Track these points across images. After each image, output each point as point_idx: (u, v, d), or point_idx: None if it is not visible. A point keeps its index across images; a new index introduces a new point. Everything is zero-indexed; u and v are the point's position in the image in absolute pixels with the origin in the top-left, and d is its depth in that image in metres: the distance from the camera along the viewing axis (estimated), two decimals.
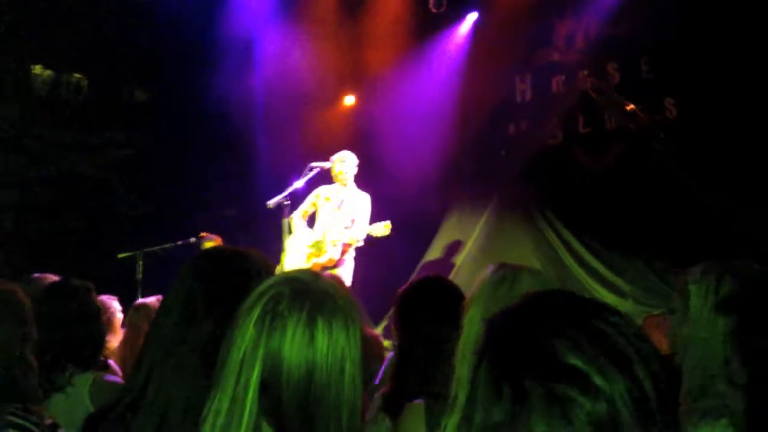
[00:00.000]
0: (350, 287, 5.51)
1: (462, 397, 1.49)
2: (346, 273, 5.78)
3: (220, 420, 1.08)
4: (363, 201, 5.97)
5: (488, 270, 1.61)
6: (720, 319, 1.60)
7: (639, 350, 0.73)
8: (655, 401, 0.71)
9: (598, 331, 0.74)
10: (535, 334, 0.75)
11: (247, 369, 1.09)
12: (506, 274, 1.58)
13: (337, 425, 1.10)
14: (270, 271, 1.52)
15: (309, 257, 5.87)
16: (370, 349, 3.20)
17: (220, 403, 1.09)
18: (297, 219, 6.04)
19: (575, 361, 0.71)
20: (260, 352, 1.09)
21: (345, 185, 5.96)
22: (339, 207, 5.93)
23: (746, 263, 1.68)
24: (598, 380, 0.70)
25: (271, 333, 1.09)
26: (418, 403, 1.73)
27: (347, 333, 1.13)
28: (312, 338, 1.09)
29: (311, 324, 1.10)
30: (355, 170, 5.99)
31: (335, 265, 5.73)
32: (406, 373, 2.02)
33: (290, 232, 5.96)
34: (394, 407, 1.99)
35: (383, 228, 5.67)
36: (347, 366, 1.12)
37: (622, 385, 0.70)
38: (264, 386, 1.09)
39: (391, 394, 2.05)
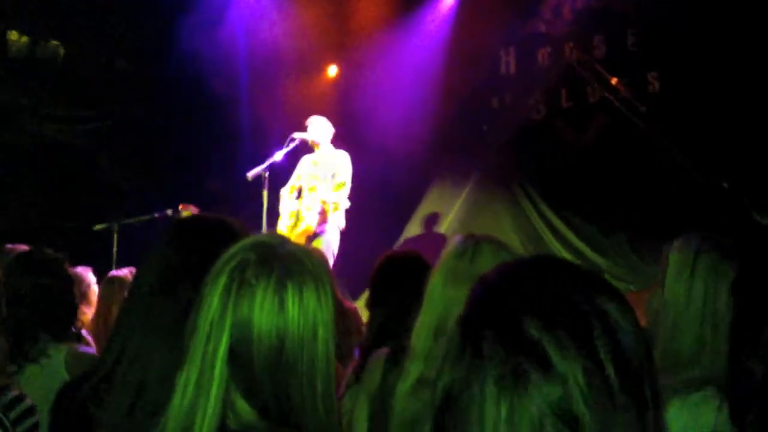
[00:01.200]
0: (333, 257, 5.54)
1: (413, 369, 1.52)
2: (327, 243, 5.71)
3: (190, 389, 1.05)
4: (340, 158, 5.88)
5: (454, 240, 1.62)
6: (696, 286, 1.59)
7: (608, 327, 0.70)
8: (617, 385, 0.68)
9: (572, 310, 0.71)
10: (504, 301, 0.73)
11: (215, 339, 1.06)
12: (467, 246, 1.58)
13: (311, 391, 1.08)
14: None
15: (289, 230, 5.84)
16: (349, 323, 3.20)
17: (189, 372, 1.06)
18: (284, 195, 6.00)
19: (540, 338, 0.68)
20: (228, 322, 1.06)
21: (319, 148, 5.91)
22: (311, 173, 5.88)
23: (725, 239, 1.68)
24: (555, 357, 0.67)
25: (239, 301, 1.06)
26: (382, 352, 1.77)
27: (318, 297, 1.10)
28: (282, 304, 1.06)
29: (280, 290, 1.07)
30: (327, 131, 5.92)
31: (316, 235, 5.69)
32: (377, 345, 2.04)
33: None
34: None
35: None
36: (320, 331, 1.09)
37: (580, 371, 0.67)
38: (234, 355, 1.06)
39: (360, 366, 2.08)
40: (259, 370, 1.06)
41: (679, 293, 1.61)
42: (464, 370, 0.71)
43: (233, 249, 1.12)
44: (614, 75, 6.87)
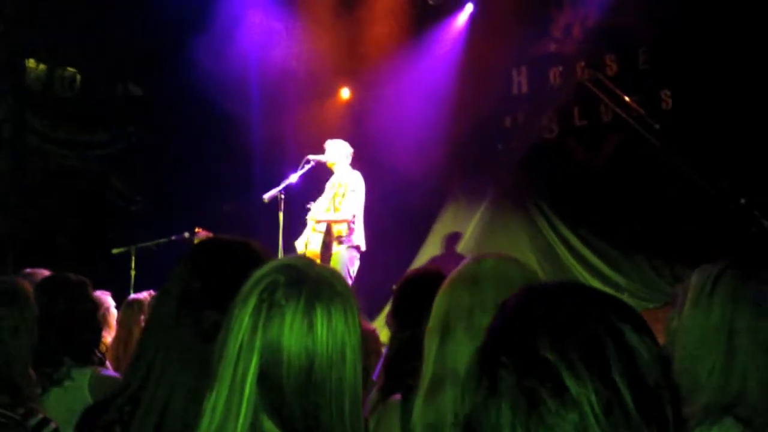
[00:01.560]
0: (351, 279, 5.52)
1: (427, 374, 1.51)
2: (344, 263, 5.70)
3: (218, 412, 1.06)
4: (350, 178, 5.88)
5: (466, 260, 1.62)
6: (714, 311, 1.55)
7: (623, 348, 0.69)
8: (633, 408, 0.67)
9: (589, 337, 0.70)
10: (520, 326, 0.73)
11: (245, 360, 1.06)
12: (471, 258, 1.58)
13: (339, 412, 1.09)
14: (269, 259, 1.49)
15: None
16: (367, 344, 3.19)
17: (218, 395, 1.07)
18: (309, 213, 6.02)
19: (547, 355, 0.68)
20: (257, 343, 1.06)
21: (335, 168, 5.94)
22: (330, 190, 5.90)
23: (753, 258, 1.65)
24: (568, 381, 0.67)
25: (269, 322, 1.07)
26: (395, 399, 1.73)
27: (346, 319, 1.10)
28: (311, 326, 1.07)
29: (310, 311, 1.08)
30: (342, 153, 5.93)
31: (324, 258, 5.67)
32: (400, 364, 2.03)
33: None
34: (394, 377, 2.02)
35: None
36: (348, 352, 1.10)
37: (591, 388, 0.66)
38: (263, 377, 1.06)
39: (386, 386, 2.07)
40: (288, 391, 1.06)
41: (698, 317, 1.59)
42: (481, 397, 0.71)
43: (262, 271, 1.13)
44: (626, 93, 6.88)
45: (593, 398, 0.66)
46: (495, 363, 0.71)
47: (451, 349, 1.45)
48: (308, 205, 5.98)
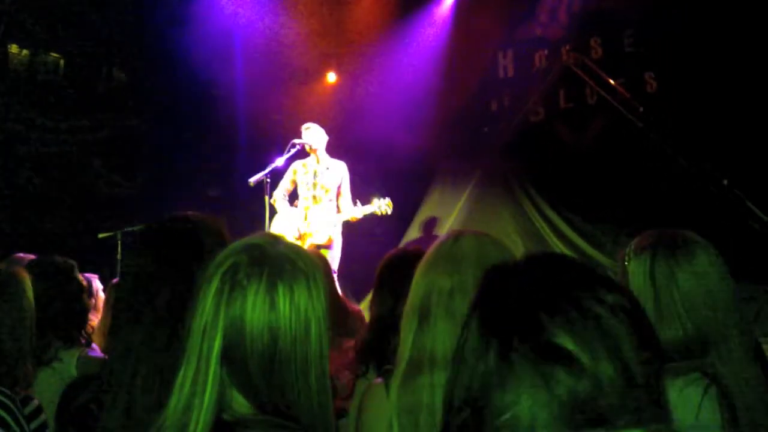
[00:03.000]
0: (338, 263, 5.55)
1: (404, 356, 1.53)
2: (336, 251, 5.78)
3: (186, 389, 1.09)
4: (339, 170, 5.92)
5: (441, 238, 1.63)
6: (661, 290, 1.66)
7: (632, 330, 0.74)
8: (642, 381, 0.72)
9: (591, 309, 0.74)
10: (528, 302, 0.75)
11: (209, 340, 1.09)
12: (450, 235, 1.58)
13: (306, 386, 1.12)
14: (220, 235, 1.54)
15: (303, 239, 5.86)
16: (353, 324, 3.22)
17: (185, 373, 1.10)
18: (279, 198, 6.01)
19: (565, 341, 0.71)
20: (221, 323, 1.09)
21: (316, 155, 5.94)
22: (315, 183, 5.91)
23: (684, 232, 1.73)
24: (585, 360, 0.71)
25: (231, 303, 1.09)
26: (378, 382, 1.72)
27: (310, 294, 1.13)
28: (273, 304, 1.10)
29: (271, 290, 1.10)
30: (322, 139, 5.95)
31: (327, 245, 5.73)
32: (379, 345, 2.07)
33: (274, 212, 5.95)
34: (373, 356, 2.05)
35: (386, 206, 5.70)
36: (312, 327, 1.12)
37: (610, 367, 0.71)
38: (228, 354, 1.09)
39: (364, 350, 2.11)
40: (253, 367, 1.09)
41: (647, 299, 1.67)
42: (492, 375, 0.73)
43: (225, 252, 1.15)
44: (612, 76, 6.92)
45: (612, 374, 0.71)
46: (507, 342, 0.73)
47: (430, 333, 1.45)
48: (276, 193, 5.96)
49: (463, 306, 1.36)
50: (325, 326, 1.15)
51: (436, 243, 1.58)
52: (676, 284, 1.64)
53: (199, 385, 1.08)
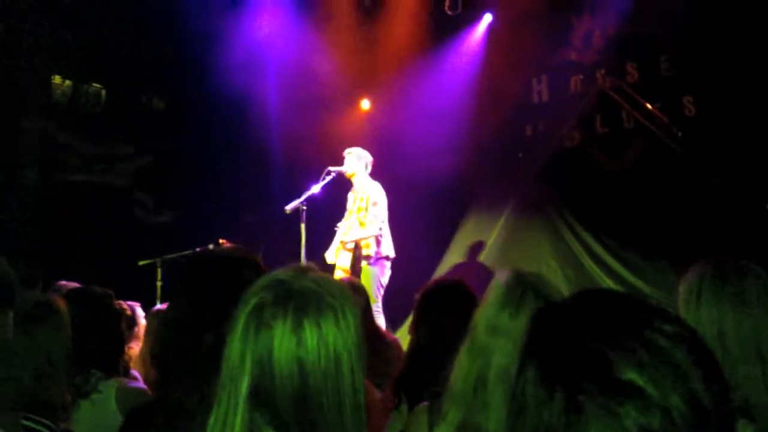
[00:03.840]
0: (383, 288, 5.53)
1: (453, 415, 1.52)
2: (375, 275, 5.72)
3: None
4: (371, 190, 5.91)
5: (501, 277, 1.61)
6: (703, 313, 1.61)
7: (696, 360, 0.72)
8: (713, 412, 0.70)
9: (654, 341, 0.72)
10: (589, 342, 0.73)
11: (236, 382, 1.09)
12: (512, 299, 1.57)
13: (339, 421, 1.10)
14: (258, 269, 1.53)
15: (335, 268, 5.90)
16: (390, 354, 3.21)
17: (216, 417, 1.10)
18: (339, 228, 6.07)
19: (632, 375, 0.70)
20: (247, 365, 1.09)
21: (354, 178, 5.97)
22: (353, 204, 5.95)
23: (742, 262, 1.68)
24: (653, 393, 0.69)
25: (258, 343, 1.09)
26: (423, 406, 1.74)
27: (338, 328, 1.12)
28: (300, 341, 1.09)
29: (297, 328, 1.09)
30: (361, 163, 5.96)
31: (355, 272, 5.71)
32: (419, 365, 2.06)
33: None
34: (406, 390, 2.03)
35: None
36: (344, 361, 1.11)
37: (679, 399, 0.69)
38: (259, 395, 1.09)
39: (401, 379, 2.09)
40: (283, 407, 1.08)
41: (688, 320, 1.62)
42: (560, 421, 0.71)
43: (251, 290, 1.15)
44: (648, 100, 6.84)
45: (682, 406, 0.69)
46: (574, 387, 0.71)
47: (485, 406, 1.48)
48: (336, 226, 6.02)
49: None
50: (357, 359, 1.13)
51: (495, 298, 1.57)
52: (720, 313, 1.59)
53: (227, 427, 1.08)
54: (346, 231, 5.84)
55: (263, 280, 1.16)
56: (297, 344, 1.09)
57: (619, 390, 0.69)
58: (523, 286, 1.60)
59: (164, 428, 1.44)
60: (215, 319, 1.40)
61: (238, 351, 1.10)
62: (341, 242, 5.80)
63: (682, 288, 1.68)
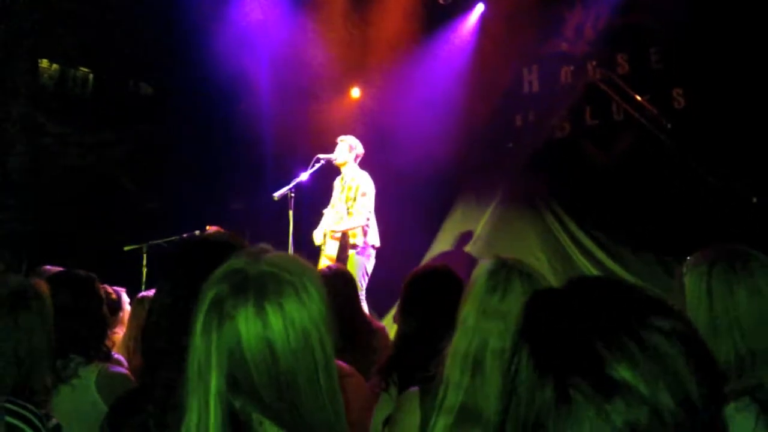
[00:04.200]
0: (367, 276, 5.53)
1: (452, 400, 1.54)
2: (360, 263, 5.73)
3: None
4: (360, 180, 5.91)
5: (484, 265, 1.64)
6: (715, 300, 1.61)
7: (691, 359, 0.72)
8: (703, 409, 0.70)
9: (648, 337, 0.72)
10: (583, 334, 0.73)
11: (204, 379, 1.07)
12: (499, 281, 1.60)
13: (315, 394, 1.10)
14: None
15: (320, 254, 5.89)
16: (376, 342, 3.20)
17: (188, 422, 1.08)
18: (326, 213, 6.06)
19: (624, 372, 0.69)
20: (213, 360, 1.07)
21: (344, 167, 5.96)
22: (340, 195, 5.94)
23: (741, 248, 1.67)
24: (644, 391, 0.69)
25: (223, 336, 1.08)
26: (414, 390, 1.75)
27: (301, 303, 1.11)
28: (266, 324, 1.08)
29: (261, 312, 1.08)
30: (351, 150, 5.95)
31: (341, 260, 5.70)
32: (407, 350, 2.06)
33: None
34: (392, 375, 2.04)
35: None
36: (312, 334, 1.11)
37: (670, 398, 0.69)
38: (239, 387, 1.08)
39: (390, 364, 2.10)
40: (263, 390, 1.08)
41: (703, 312, 1.61)
42: (549, 410, 0.71)
43: (206, 284, 1.13)
44: (638, 92, 6.84)
45: (670, 403, 0.69)
46: (565, 380, 0.71)
47: (484, 391, 1.51)
48: (323, 211, 6.02)
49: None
50: (326, 330, 1.13)
51: (481, 284, 1.60)
52: (733, 300, 1.59)
53: (201, 428, 1.06)
54: (336, 221, 5.82)
55: (218, 272, 1.15)
56: (263, 328, 1.08)
57: (609, 386, 0.69)
58: (507, 268, 1.63)
59: (153, 420, 1.42)
60: None
61: (203, 348, 1.08)
62: (330, 231, 5.78)
63: (689, 279, 1.68)
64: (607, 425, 0.68)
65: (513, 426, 0.75)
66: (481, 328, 1.56)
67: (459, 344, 1.58)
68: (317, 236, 5.91)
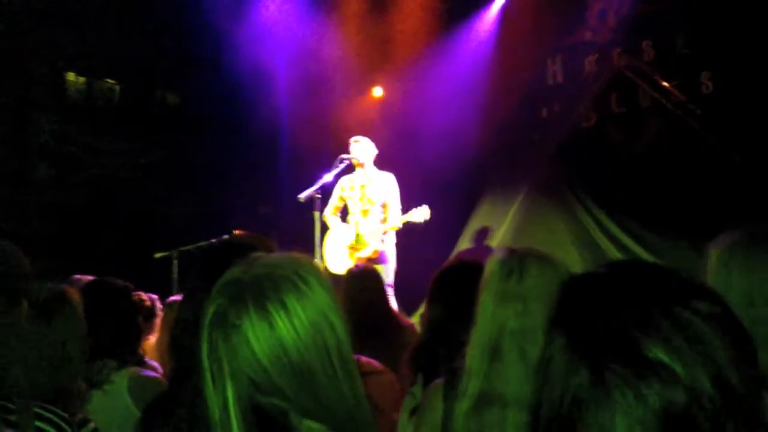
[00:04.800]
0: (393, 274, 5.56)
1: (472, 387, 1.53)
2: (389, 265, 5.76)
3: None
4: (386, 182, 5.92)
5: (495, 256, 1.64)
6: (734, 282, 1.52)
7: (728, 341, 0.71)
8: (743, 392, 0.69)
9: (684, 319, 0.71)
10: (617, 318, 0.72)
11: (221, 392, 1.08)
12: (512, 264, 1.61)
13: (332, 378, 1.11)
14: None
15: (351, 254, 5.88)
16: (406, 338, 3.19)
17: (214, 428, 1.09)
18: (329, 216, 6.06)
19: (660, 353, 0.69)
20: (226, 372, 1.08)
21: (363, 168, 5.95)
22: (363, 195, 5.93)
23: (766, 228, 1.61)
24: (681, 372, 0.68)
25: (232, 348, 1.08)
26: (439, 382, 1.76)
27: (302, 296, 1.12)
28: (272, 325, 1.09)
29: (265, 314, 1.09)
30: (371, 152, 5.96)
31: (378, 259, 5.71)
32: (434, 342, 2.07)
33: (326, 229, 5.99)
34: (424, 363, 2.05)
35: (423, 213, 5.65)
36: (321, 323, 1.11)
37: (707, 380, 0.68)
38: (260, 389, 1.09)
39: (418, 358, 2.10)
40: (286, 387, 1.09)
41: (720, 290, 1.54)
42: (584, 394, 0.71)
43: (207, 301, 1.14)
44: (665, 78, 6.74)
45: (707, 384, 0.68)
46: (600, 362, 0.71)
47: (503, 374, 1.52)
48: (325, 211, 5.99)
49: (534, 351, 1.43)
50: (334, 314, 1.13)
51: (494, 272, 1.59)
52: (750, 277, 1.51)
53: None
54: (369, 229, 5.82)
55: (215, 288, 1.15)
56: (270, 329, 1.09)
57: (645, 367, 0.69)
58: (519, 254, 1.64)
59: (185, 425, 1.43)
60: None
61: (214, 362, 1.09)
62: (393, 228, 5.78)
63: (713, 254, 1.61)
64: (643, 407, 0.67)
65: (548, 409, 0.74)
66: (498, 314, 1.56)
67: (478, 332, 1.59)
68: (335, 242, 5.94)
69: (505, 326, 1.54)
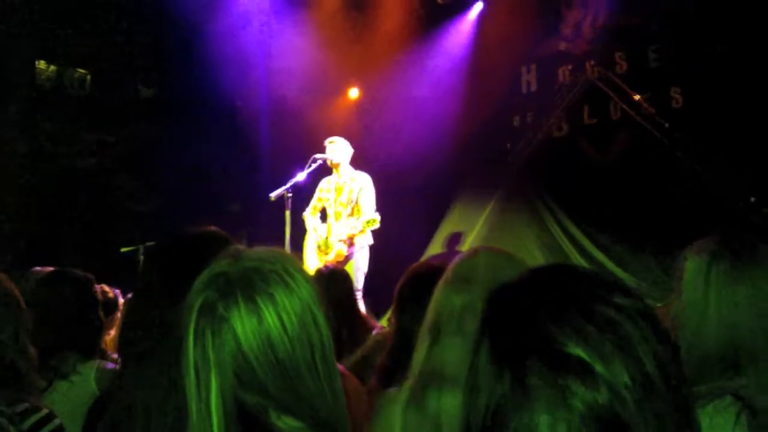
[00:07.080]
0: (364, 276, 5.51)
1: (414, 371, 1.51)
2: (357, 264, 5.71)
3: None
4: (362, 181, 5.90)
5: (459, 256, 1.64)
6: (712, 293, 1.53)
7: (646, 334, 0.71)
8: (662, 387, 0.69)
9: (602, 316, 0.71)
10: (536, 318, 0.72)
11: (205, 385, 1.08)
12: (465, 256, 1.60)
13: (314, 375, 1.12)
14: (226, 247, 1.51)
15: (319, 257, 5.86)
16: (378, 343, 3.18)
17: (191, 424, 1.08)
18: (308, 216, 6.02)
19: (578, 350, 0.69)
20: (212, 366, 1.08)
21: (338, 169, 5.93)
22: (340, 195, 5.90)
23: (745, 237, 1.62)
24: (600, 369, 0.68)
25: (220, 339, 1.08)
26: (393, 391, 1.74)
27: (290, 290, 1.12)
28: (260, 318, 1.09)
29: (253, 307, 1.09)
30: (347, 152, 5.94)
31: (345, 261, 5.68)
32: (401, 353, 2.04)
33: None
34: (391, 378, 2.03)
35: (370, 222, 5.60)
36: (306, 317, 1.12)
37: (627, 375, 0.68)
38: (242, 383, 1.09)
39: (388, 369, 2.09)
40: (269, 382, 1.09)
41: (697, 301, 1.56)
42: (508, 398, 0.71)
43: (192, 292, 1.14)
44: (637, 91, 6.85)
45: (629, 382, 0.68)
46: (521, 364, 0.70)
47: (439, 350, 1.48)
48: (302, 216, 5.97)
49: (473, 324, 1.36)
50: (317, 309, 1.14)
51: (454, 261, 1.58)
52: (731, 291, 1.50)
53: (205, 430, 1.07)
54: (344, 227, 5.78)
55: (200, 280, 1.15)
56: (258, 322, 1.09)
57: (564, 366, 0.68)
58: (476, 248, 1.63)
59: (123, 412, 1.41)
60: (178, 294, 1.37)
61: (199, 354, 1.09)
62: (348, 236, 5.73)
63: (690, 265, 1.61)
64: (567, 409, 0.67)
65: (476, 416, 0.73)
66: (442, 294, 1.54)
67: (425, 320, 1.57)
68: (310, 245, 5.91)
69: (446, 304, 1.51)
